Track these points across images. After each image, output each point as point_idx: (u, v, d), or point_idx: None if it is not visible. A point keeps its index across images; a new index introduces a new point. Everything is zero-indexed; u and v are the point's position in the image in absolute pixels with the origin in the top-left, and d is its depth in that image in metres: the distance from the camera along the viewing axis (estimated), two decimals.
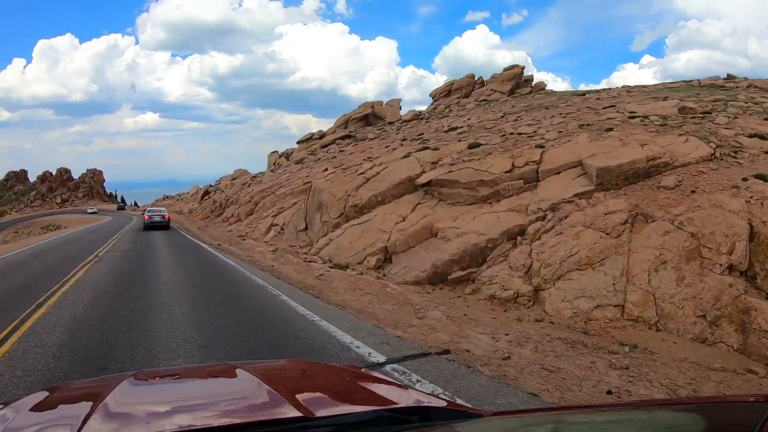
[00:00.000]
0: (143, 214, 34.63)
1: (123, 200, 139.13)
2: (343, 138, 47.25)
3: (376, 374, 2.13)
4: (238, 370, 1.92)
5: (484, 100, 51.39)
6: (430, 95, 61.22)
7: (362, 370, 2.32)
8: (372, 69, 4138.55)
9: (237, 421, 1.36)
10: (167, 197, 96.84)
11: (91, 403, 1.50)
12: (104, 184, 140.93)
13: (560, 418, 1.36)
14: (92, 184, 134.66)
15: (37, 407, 1.65)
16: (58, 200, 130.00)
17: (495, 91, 54.66)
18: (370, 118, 56.80)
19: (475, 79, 60.26)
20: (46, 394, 1.83)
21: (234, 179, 61.51)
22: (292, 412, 1.36)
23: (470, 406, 2.37)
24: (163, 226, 29.78)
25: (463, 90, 58.96)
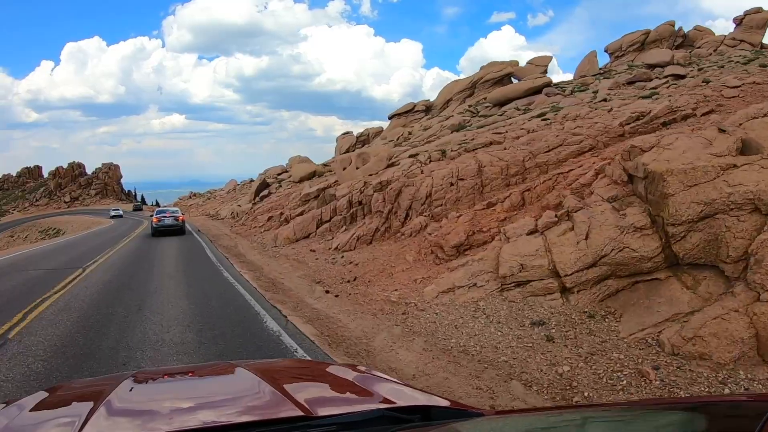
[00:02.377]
0: (152, 216, 26.35)
1: (143, 199, 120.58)
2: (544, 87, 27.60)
3: (376, 373, 2.02)
4: (238, 369, 1.89)
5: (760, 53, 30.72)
6: (605, 50, 41.28)
7: (363, 369, 2.10)
8: (397, 71, 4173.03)
9: (238, 419, 1.32)
10: (194, 195, 76.81)
11: (92, 403, 1.47)
12: (121, 181, 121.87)
13: (562, 418, 1.34)
14: (106, 181, 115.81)
15: (39, 406, 1.62)
16: (67, 198, 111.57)
17: (741, 41, 34.20)
18: (506, 80, 39.90)
19: (676, 29, 40.09)
20: (47, 393, 1.80)
21: (301, 164, 42.76)
22: (294, 411, 1.32)
23: (472, 405, 1.80)
24: (177, 230, 23.05)
25: (663, 42, 38.44)
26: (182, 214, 25.77)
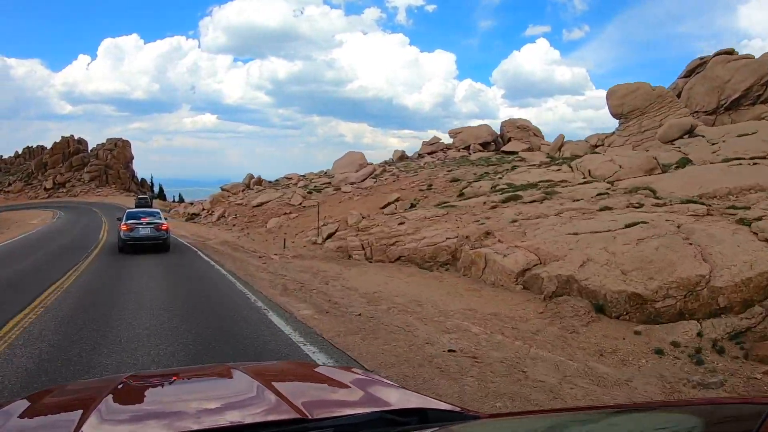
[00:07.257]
0: (120, 221, 16.40)
1: (160, 191, 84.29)
2: None
3: (372, 376, 2.03)
4: (234, 372, 1.86)
5: None
6: None
7: (358, 371, 2.12)
8: (429, 81, 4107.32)
9: (234, 422, 1.30)
10: (261, 183, 38.95)
11: (86, 407, 1.43)
12: (131, 164, 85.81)
13: (557, 420, 1.34)
14: (109, 162, 79.59)
15: (29, 410, 1.56)
16: (49, 184, 75.82)
17: None
18: None
19: None
20: (37, 398, 1.75)
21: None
22: (289, 414, 1.31)
23: (467, 408, 1.76)
24: (158, 244, 15.10)
25: None
26: (165, 221, 17.01)
